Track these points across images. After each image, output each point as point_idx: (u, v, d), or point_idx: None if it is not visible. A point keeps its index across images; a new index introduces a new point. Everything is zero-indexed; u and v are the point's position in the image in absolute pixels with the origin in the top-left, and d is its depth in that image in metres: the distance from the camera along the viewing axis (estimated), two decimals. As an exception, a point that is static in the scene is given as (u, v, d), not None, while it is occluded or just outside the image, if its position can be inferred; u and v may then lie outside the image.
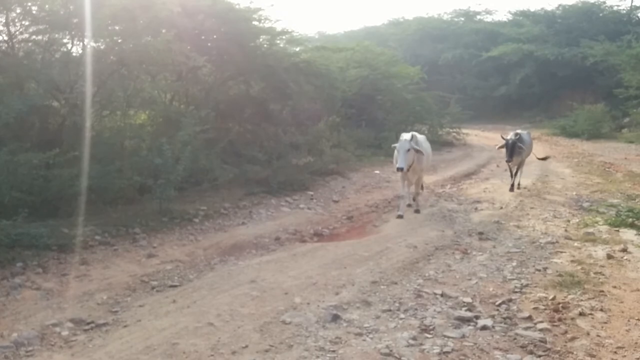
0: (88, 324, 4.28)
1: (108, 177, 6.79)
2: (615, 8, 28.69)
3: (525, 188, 10.28)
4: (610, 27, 26.06)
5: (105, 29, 7.52)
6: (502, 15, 63.98)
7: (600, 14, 28.45)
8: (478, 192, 10.20)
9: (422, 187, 9.44)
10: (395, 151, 7.93)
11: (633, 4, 28.23)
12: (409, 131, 10.49)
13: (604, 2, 28.55)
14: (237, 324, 4.17)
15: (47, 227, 5.84)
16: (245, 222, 7.77)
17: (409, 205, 8.61)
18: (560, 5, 29.73)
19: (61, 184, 6.40)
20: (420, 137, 8.61)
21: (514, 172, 10.16)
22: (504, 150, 9.85)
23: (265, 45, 11.32)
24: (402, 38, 33.05)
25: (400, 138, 7.90)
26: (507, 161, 9.80)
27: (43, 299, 4.75)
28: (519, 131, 10.15)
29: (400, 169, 7.65)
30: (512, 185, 10.10)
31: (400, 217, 8.01)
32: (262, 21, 10.99)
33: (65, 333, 4.12)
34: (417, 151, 7.86)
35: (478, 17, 35.24)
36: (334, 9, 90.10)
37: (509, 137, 9.81)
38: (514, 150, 9.64)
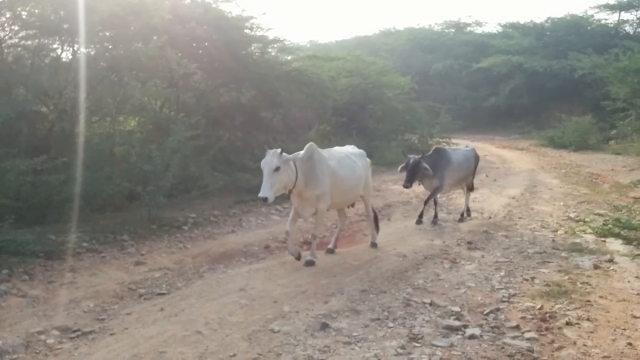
0: (74, 331, 4.24)
1: (97, 183, 6.75)
2: (603, 22, 29.10)
3: (513, 198, 10.34)
4: (598, 41, 26.42)
5: (96, 34, 7.52)
6: (492, 27, 64.49)
7: (589, 27, 28.86)
8: (467, 201, 10.23)
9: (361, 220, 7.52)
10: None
11: (620, 18, 28.68)
12: (400, 140, 10.31)
13: (592, 16, 28.96)
14: (226, 332, 4.14)
15: (34, 234, 5.79)
16: (234, 230, 7.74)
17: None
18: (549, 18, 30.08)
19: (49, 190, 6.36)
20: (340, 153, 6.25)
21: (431, 198, 8.07)
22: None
23: (256, 54, 11.39)
24: (393, 48, 33.29)
25: (267, 152, 5.43)
26: (404, 186, 7.44)
27: (29, 307, 4.70)
28: (449, 147, 8.31)
29: (262, 199, 5.20)
30: (420, 214, 8.02)
31: (297, 258, 5.90)
32: (254, 29, 11.09)
33: (50, 341, 4.08)
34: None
35: (468, 28, 35.65)
36: (325, 19, 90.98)
37: (412, 156, 7.59)
38: (416, 174, 7.43)
